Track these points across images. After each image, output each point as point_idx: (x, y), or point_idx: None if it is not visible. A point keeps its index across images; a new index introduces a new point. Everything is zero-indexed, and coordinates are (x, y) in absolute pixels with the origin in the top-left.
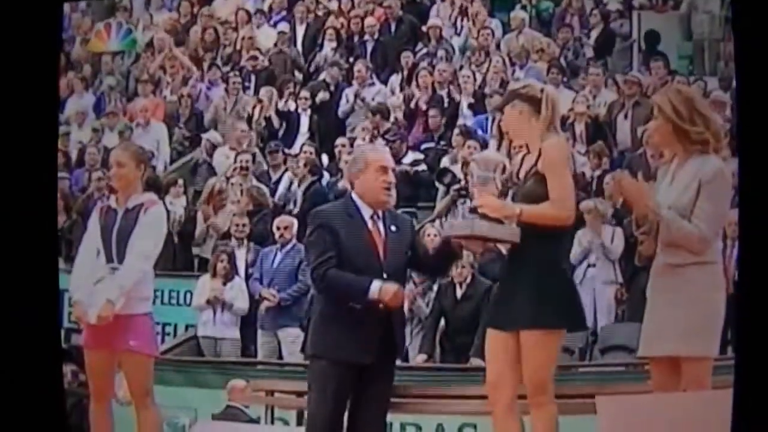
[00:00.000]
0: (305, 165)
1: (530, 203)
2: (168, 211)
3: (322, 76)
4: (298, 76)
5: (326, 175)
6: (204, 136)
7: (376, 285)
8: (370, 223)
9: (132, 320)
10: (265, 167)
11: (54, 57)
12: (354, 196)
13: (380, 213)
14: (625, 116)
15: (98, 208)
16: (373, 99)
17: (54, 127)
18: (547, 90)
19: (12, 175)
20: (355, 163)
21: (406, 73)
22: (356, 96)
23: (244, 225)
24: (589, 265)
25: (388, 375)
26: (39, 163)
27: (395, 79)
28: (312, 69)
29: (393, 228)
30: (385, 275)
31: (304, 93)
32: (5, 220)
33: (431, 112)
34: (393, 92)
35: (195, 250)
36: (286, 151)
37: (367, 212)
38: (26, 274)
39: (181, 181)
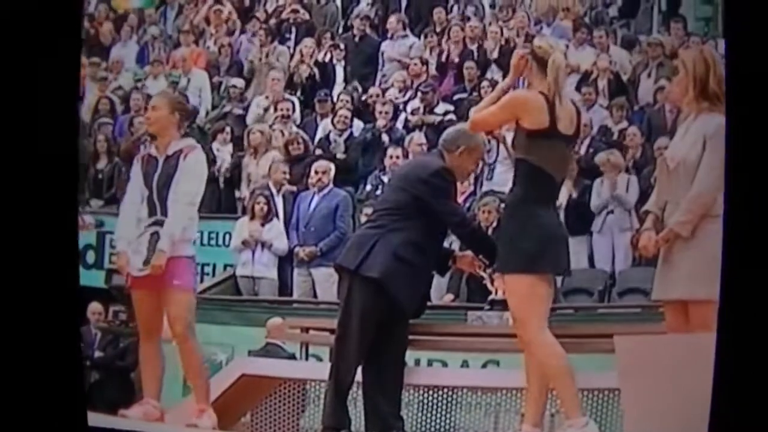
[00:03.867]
0: (341, 115)
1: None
2: (215, 157)
3: (354, 29)
4: (336, 28)
5: (360, 123)
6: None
7: None
8: None
9: (177, 262)
10: (307, 116)
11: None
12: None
13: None
14: (648, 75)
15: (139, 157)
16: (408, 52)
17: (76, 69)
18: (554, 57)
19: (34, 119)
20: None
21: (438, 28)
22: (391, 49)
23: (283, 171)
24: (607, 213)
25: (407, 323)
26: (62, 109)
27: (428, 34)
28: (349, 23)
29: None
30: None
31: (341, 44)
32: (26, 164)
33: (467, 64)
34: (425, 46)
35: (239, 194)
36: (334, 100)
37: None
38: (46, 216)
39: (228, 129)
